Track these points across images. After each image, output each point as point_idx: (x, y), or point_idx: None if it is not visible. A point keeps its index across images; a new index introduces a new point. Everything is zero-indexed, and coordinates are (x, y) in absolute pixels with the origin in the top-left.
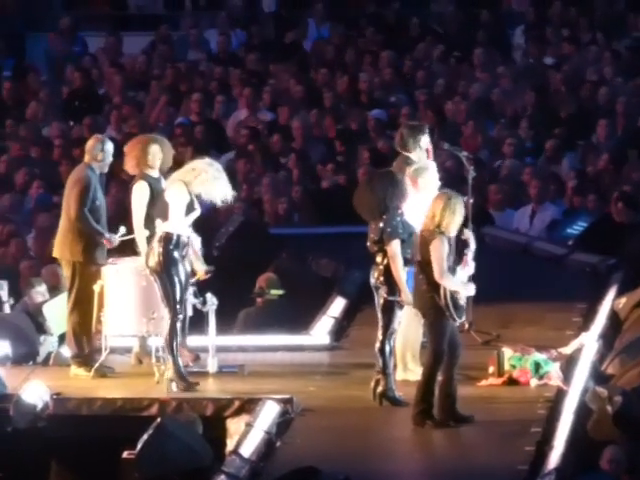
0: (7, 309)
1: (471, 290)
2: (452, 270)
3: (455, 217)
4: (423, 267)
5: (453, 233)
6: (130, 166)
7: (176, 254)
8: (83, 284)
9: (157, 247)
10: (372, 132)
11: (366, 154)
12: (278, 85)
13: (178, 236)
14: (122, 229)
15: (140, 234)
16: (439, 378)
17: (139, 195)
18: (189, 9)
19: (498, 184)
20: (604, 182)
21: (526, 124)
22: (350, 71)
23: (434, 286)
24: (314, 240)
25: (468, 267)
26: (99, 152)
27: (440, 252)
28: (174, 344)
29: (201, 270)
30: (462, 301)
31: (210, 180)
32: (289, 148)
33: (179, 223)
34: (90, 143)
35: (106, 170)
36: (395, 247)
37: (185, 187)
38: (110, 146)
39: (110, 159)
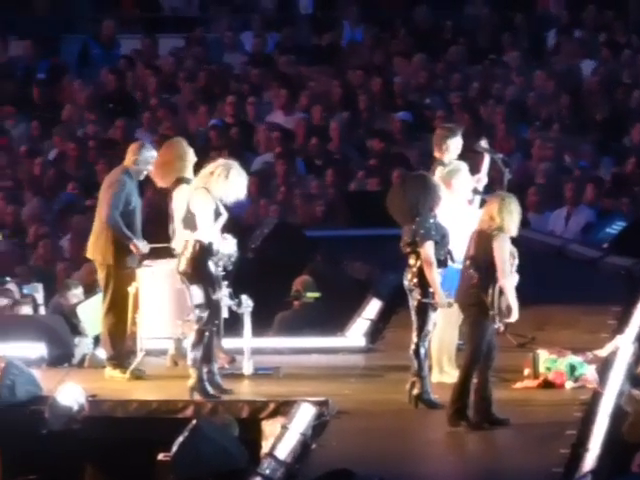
0: (42, 311)
1: (514, 279)
2: None
3: (513, 216)
4: (477, 263)
5: (514, 233)
6: (162, 173)
7: (207, 262)
8: (117, 286)
9: (188, 253)
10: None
11: (395, 157)
12: (314, 87)
13: (210, 244)
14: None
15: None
16: (474, 381)
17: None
18: (224, 11)
19: (533, 187)
20: (638, 185)
21: (560, 127)
22: (384, 73)
23: (485, 285)
24: (348, 243)
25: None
26: (138, 157)
27: (503, 252)
28: (198, 353)
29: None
30: (504, 306)
31: (232, 181)
32: (324, 150)
33: (209, 231)
34: (132, 147)
35: (141, 177)
36: (429, 249)
37: (208, 193)
38: (150, 153)
39: (147, 166)
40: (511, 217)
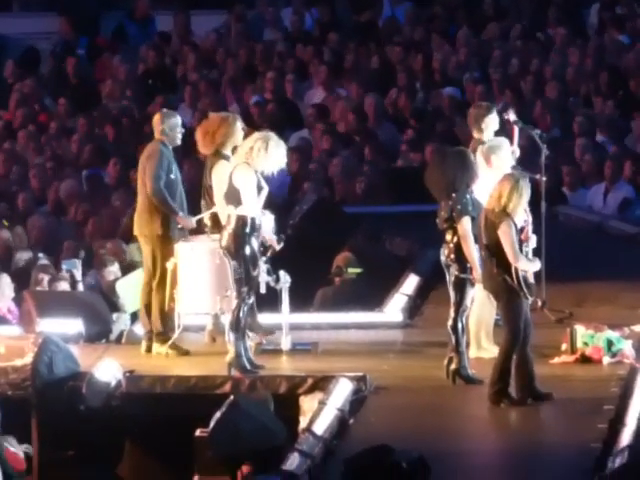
0: (80, 287)
1: (537, 265)
2: (520, 250)
3: (522, 200)
4: (492, 250)
5: (519, 216)
6: (207, 144)
7: (250, 237)
8: (165, 260)
9: (231, 229)
10: (446, 110)
11: (440, 133)
12: (353, 64)
13: (252, 219)
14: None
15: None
16: (514, 357)
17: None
18: None
19: (571, 163)
20: None
21: (600, 103)
22: (424, 50)
23: (505, 268)
24: (388, 219)
25: (530, 241)
26: (164, 126)
27: (510, 236)
28: (238, 328)
29: (273, 240)
30: (532, 279)
31: (271, 154)
32: (364, 127)
33: (252, 206)
34: (155, 119)
35: (178, 143)
36: (466, 225)
37: (250, 168)
38: (174, 119)
39: (177, 131)
40: (520, 200)
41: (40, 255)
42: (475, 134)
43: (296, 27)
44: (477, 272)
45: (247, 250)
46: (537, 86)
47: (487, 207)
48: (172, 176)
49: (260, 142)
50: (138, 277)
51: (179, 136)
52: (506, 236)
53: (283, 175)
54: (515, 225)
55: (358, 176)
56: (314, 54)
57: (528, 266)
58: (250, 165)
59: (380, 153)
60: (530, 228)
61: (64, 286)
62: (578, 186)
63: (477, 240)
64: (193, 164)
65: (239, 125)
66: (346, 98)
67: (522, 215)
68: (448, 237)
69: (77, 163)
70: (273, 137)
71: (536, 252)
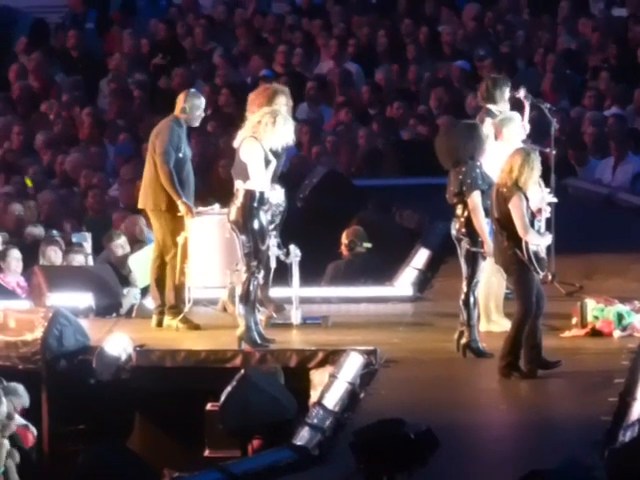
0: (91, 261)
1: (548, 239)
2: (531, 224)
3: (533, 173)
4: (503, 224)
5: (531, 189)
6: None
7: (258, 210)
8: (175, 234)
9: (239, 202)
10: (456, 82)
11: (449, 105)
12: (362, 37)
13: (261, 193)
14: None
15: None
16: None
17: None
18: None
19: (580, 135)
20: None
21: (607, 76)
22: (432, 24)
23: (515, 242)
24: (398, 192)
25: (542, 214)
26: (186, 105)
27: (520, 209)
28: (248, 301)
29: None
30: (543, 253)
31: (279, 129)
32: (374, 99)
33: (260, 179)
34: (180, 96)
35: (195, 124)
36: (476, 198)
37: (257, 142)
38: (198, 101)
39: (198, 113)
40: (531, 173)
41: (54, 232)
42: (486, 105)
43: (305, 0)
44: (488, 245)
45: (255, 224)
46: (547, 59)
47: (498, 181)
48: (180, 154)
49: (268, 117)
50: (150, 252)
51: (198, 118)
52: (516, 209)
53: (293, 145)
54: (526, 199)
55: (367, 148)
56: (323, 27)
57: (538, 240)
58: (257, 139)
59: (389, 126)
60: (543, 203)
61: (78, 259)
62: (587, 159)
63: (487, 214)
64: (201, 140)
65: (283, 99)
66: (355, 70)
67: (536, 192)
68: (459, 211)
69: (88, 137)
70: (282, 112)
71: (546, 225)
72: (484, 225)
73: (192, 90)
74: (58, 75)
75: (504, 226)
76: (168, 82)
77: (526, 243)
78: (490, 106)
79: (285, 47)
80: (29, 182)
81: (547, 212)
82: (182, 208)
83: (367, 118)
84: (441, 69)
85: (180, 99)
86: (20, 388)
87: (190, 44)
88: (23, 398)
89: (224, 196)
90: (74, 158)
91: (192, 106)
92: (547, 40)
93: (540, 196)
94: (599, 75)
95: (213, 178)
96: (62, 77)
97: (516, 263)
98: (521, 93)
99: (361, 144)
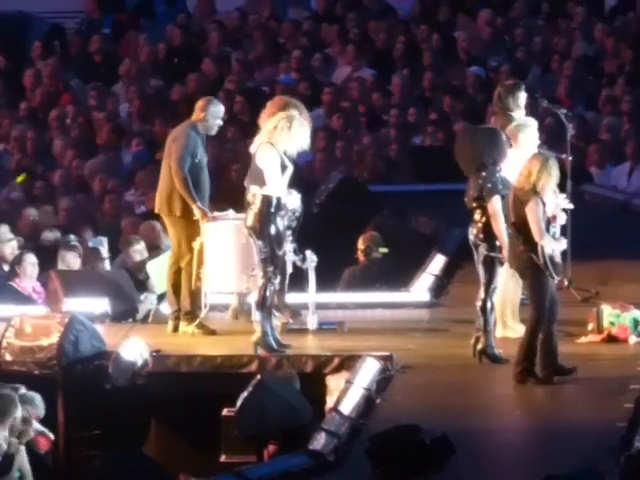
0: (107, 266)
1: (563, 244)
2: (547, 229)
3: (551, 179)
4: (519, 228)
5: (548, 195)
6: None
7: (275, 216)
8: (191, 239)
9: (256, 208)
10: (470, 88)
11: (464, 111)
12: (377, 43)
13: (277, 198)
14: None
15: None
16: (539, 336)
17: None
18: None
19: (596, 141)
20: None
21: (624, 81)
22: (447, 29)
23: (531, 246)
24: (414, 197)
25: (558, 220)
26: (206, 113)
27: (537, 214)
28: (264, 307)
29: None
30: (558, 258)
31: (295, 133)
32: (389, 105)
33: (277, 185)
34: (199, 103)
35: (212, 132)
36: (496, 203)
37: (273, 147)
38: (217, 108)
39: (217, 121)
40: (549, 178)
41: (71, 237)
42: (501, 112)
43: (321, 6)
44: (506, 251)
45: (272, 229)
46: (564, 65)
47: (516, 185)
48: (196, 160)
49: (284, 122)
50: (167, 258)
51: (216, 127)
52: (533, 214)
53: (309, 152)
54: (543, 204)
55: (383, 155)
56: (339, 33)
57: (553, 245)
58: (273, 145)
59: (405, 131)
60: (558, 209)
61: (100, 265)
62: (602, 165)
63: (507, 219)
64: (216, 145)
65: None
66: (371, 76)
67: (551, 198)
68: (477, 216)
69: (103, 142)
70: (297, 117)
71: (562, 231)
72: (503, 230)
73: (211, 98)
74: (73, 80)
75: (520, 230)
76: (184, 88)
77: (542, 248)
78: (507, 111)
79: (300, 53)
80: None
81: (562, 219)
82: (197, 212)
83: (381, 123)
84: (455, 75)
85: (199, 106)
86: (37, 398)
87: (206, 49)
88: (39, 409)
89: (237, 201)
90: (91, 163)
91: (212, 114)
92: (563, 46)
93: (555, 202)
94: (615, 81)
95: (226, 183)
96: (77, 82)
97: (531, 267)
98: (540, 98)
99: (374, 150)
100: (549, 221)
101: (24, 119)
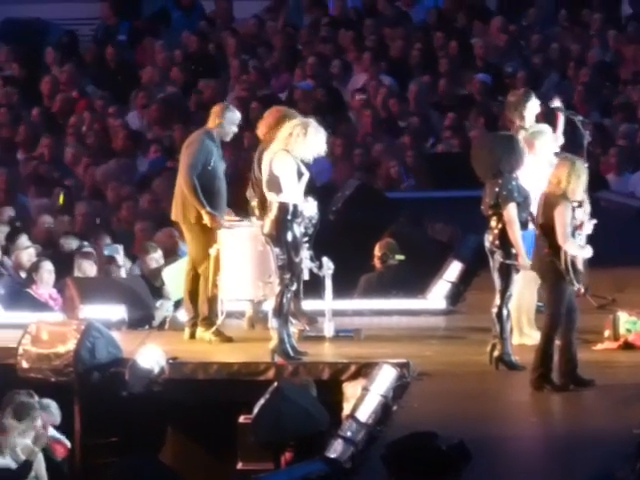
0: (123, 273)
1: (588, 252)
2: (572, 235)
3: (580, 181)
4: (546, 231)
5: (578, 198)
6: (261, 132)
7: (292, 223)
8: (208, 246)
9: (273, 215)
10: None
11: (480, 118)
12: (394, 49)
13: (294, 205)
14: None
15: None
16: (558, 343)
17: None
18: None
19: (613, 148)
20: None
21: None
22: (463, 37)
23: (555, 250)
24: (430, 204)
25: (584, 228)
26: (223, 119)
27: (564, 217)
28: (281, 314)
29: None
30: (580, 265)
31: (310, 140)
32: (407, 112)
33: (293, 192)
34: (215, 109)
35: (228, 139)
36: (512, 211)
37: (289, 155)
38: (233, 114)
39: (232, 128)
40: (578, 182)
41: (85, 244)
42: (516, 121)
43: (338, 13)
44: (522, 258)
45: (289, 236)
46: (581, 72)
47: (547, 190)
48: (209, 167)
49: (299, 128)
50: (184, 265)
51: (232, 133)
52: (560, 216)
53: (325, 161)
54: (573, 209)
55: (399, 161)
56: (355, 40)
57: (577, 251)
58: (289, 152)
59: (421, 138)
60: (587, 217)
61: (115, 272)
62: (620, 172)
63: (523, 225)
64: (234, 153)
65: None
66: (388, 83)
67: (583, 197)
68: (493, 223)
69: (119, 149)
70: (312, 123)
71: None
72: (519, 237)
73: (228, 104)
74: (89, 87)
75: (547, 233)
76: (200, 95)
77: (565, 252)
78: (520, 121)
79: (316, 59)
80: (62, 199)
81: (589, 228)
82: (206, 218)
83: (397, 130)
84: (468, 82)
85: (215, 112)
86: (53, 405)
87: (222, 56)
88: (54, 416)
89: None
90: (105, 170)
91: (229, 120)
92: (579, 52)
93: (583, 210)
94: (632, 87)
95: (244, 190)
96: (93, 89)
97: (552, 271)
98: (555, 103)
99: (393, 157)
100: (576, 228)
101: (39, 125)
